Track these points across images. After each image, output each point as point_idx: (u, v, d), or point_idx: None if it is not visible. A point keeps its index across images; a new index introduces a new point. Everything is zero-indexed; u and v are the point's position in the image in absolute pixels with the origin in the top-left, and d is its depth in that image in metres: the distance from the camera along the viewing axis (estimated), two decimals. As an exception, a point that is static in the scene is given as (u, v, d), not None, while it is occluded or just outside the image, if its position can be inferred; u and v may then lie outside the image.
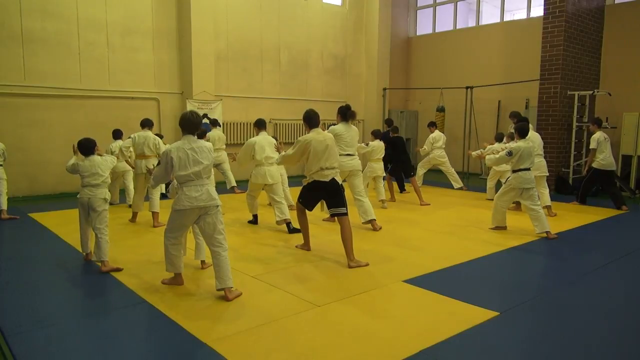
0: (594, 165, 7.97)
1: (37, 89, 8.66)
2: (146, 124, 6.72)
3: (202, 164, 3.88)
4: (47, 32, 8.69)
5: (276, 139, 6.91)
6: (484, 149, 8.20)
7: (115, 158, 5.29)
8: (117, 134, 7.84)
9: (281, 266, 4.81)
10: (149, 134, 6.65)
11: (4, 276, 4.54)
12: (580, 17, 9.99)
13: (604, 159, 7.86)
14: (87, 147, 4.79)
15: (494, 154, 6.96)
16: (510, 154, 6.05)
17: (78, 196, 4.76)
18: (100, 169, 4.74)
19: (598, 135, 7.94)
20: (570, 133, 9.87)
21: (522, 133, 6.19)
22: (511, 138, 8.23)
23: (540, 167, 7.11)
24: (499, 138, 8.54)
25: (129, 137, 6.82)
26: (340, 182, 5.08)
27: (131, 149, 6.93)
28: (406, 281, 4.35)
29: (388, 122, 9.35)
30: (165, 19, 10.13)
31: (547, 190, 7.30)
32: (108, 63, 9.45)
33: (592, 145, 7.99)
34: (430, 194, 9.02)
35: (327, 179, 4.92)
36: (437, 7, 14.36)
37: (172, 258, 4.12)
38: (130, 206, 7.23)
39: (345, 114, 6.08)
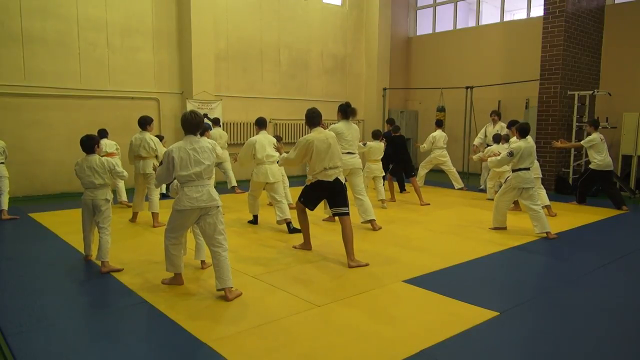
0: (592, 166, 8.04)
1: (37, 89, 8.67)
2: (142, 125, 6.70)
3: (203, 164, 3.88)
4: (47, 32, 8.69)
5: (280, 139, 6.90)
6: (482, 152, 8.21)
7: (119, 160, 5.20)
8: (101, 134, 7.68)
9: (281, 266, 4.81)
10: (146, 135, 6.62)
11: (4, 276, 4.54)
12: (580, 17, 9.98)
13: (602, 160, 7.89)
14: (87, 145, 4.73)
15: (495, 155, 6.96)
16: (511, 154, 6.06)
17: (82, 197, 4.74)
18: (97, 171, 4.66)
19: (595, 136, 7.99)
20: (570, 133, 9.87)
21: (522, 133, 6.19)
22: (505, 140, 8.25)
23: (534, 168, 7.13)
24: (496, 139, 8.54)
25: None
26: (343, 182, 5.07)
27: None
28: (406, 281, 4.35)
29: (389, 121, 9.34)
30: (165, 19, 10.13)
31: (544, 190, 7.31)
32: (108, 63, 9.45)
33: (584, 144, 8.13)
34: (431, 194, 9.01)
35: (331, 179, 4.90)
36: (437, 7, 14.35)
37: (172, 258, 4.12)
38: (129, 205, 7.23)
39: (346, 111, 6.07)
